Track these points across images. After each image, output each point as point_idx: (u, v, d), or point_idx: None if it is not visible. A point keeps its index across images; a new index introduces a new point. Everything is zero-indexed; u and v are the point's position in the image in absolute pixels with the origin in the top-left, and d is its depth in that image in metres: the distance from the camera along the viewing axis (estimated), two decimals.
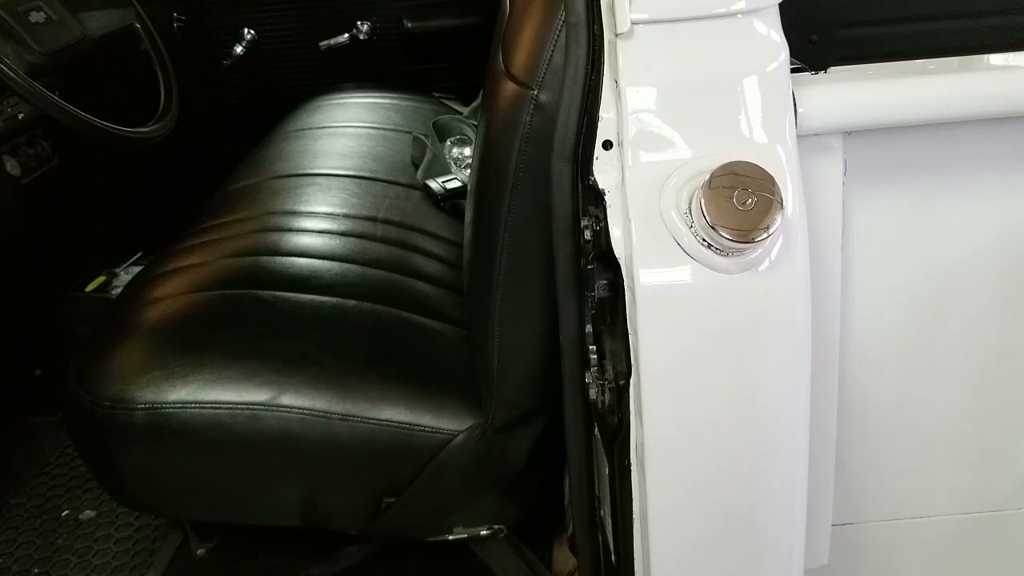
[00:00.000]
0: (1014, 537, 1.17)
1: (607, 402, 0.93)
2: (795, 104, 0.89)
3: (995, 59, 1.01)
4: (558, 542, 1.62)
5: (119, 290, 1.96)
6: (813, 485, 0.97)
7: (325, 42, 2.52)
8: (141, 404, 1.27)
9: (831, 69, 0.96)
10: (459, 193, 1.77)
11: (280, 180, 1.81)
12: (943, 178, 0.98)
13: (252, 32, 2.54)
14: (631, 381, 0.89)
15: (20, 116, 1.76)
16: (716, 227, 0.81)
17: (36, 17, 1.73)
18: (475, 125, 1.98)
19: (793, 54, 0.90)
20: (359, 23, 2.51)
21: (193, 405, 1.27)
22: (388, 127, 2.10)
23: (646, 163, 0.87)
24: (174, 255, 1.58)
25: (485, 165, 1.24)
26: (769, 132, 0.87)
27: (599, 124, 0.89)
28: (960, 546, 1.17)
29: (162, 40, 1.95)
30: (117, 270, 2.13)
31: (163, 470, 1.33)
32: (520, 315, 1.19)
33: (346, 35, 2.52)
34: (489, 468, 1.32)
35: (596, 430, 1.05)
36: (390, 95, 2.29)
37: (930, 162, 0.98)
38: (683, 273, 0.85)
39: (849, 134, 0.94)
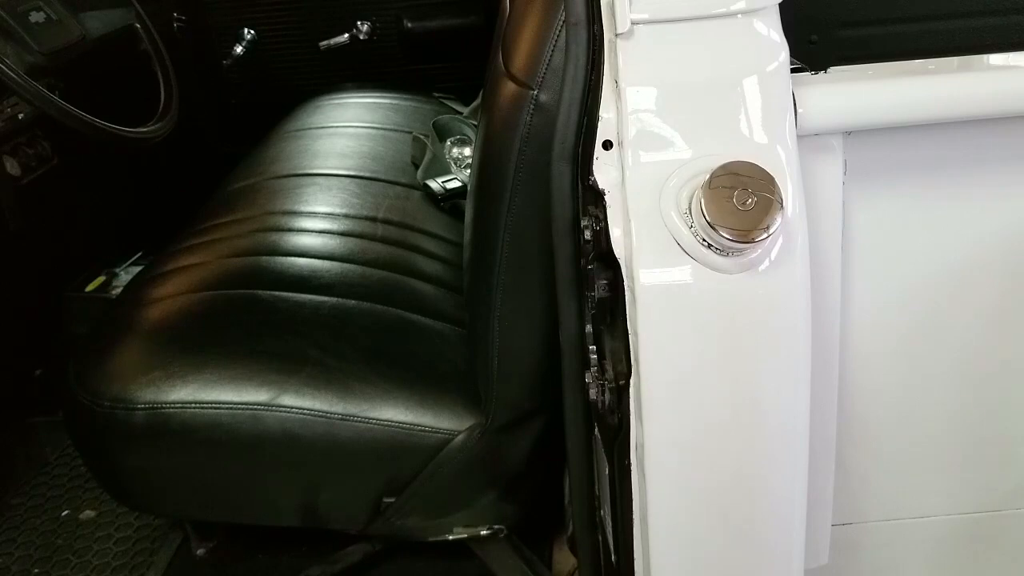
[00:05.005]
0: (1014, 537, 1.17)
1: (607, 402, 0.93)
2: (795, 104, 0.89)
3: (995, 59, 1.01)
4: (558, 542, 1.62)
5: (119, 290, 1.96)
6: (813, 485, 0.97)
7: (325, 42, 2.52)
8: (141, 404, 1.27)
9: (831, 69, 0.96)
10: (459, 193, 1.77)
11: (280, 180, 1.81)
12: (943, 178, 0.98)
13: (252, 32, 2.54)
14: (631, 381, 0.89)
15: (20, 116, 1.76)
16: (716, 227, 0.81)
17: (36, 17, 1.73)
18: (475, 125, 1.98)
19: (793, 54, 0.90)
20: (359, 23, 2.51)
21: (193, 405, 1.27)
22: (388, 127, 2.10)
23: (646, 163, 0.87)
24: (174, 255, 1.58)
25: (485, 165, 1.24)
26: (769, 132, 0.87)
27: (599, 124, 0.89)
28: (960, 546, 1.17)
29: (162, 40, 1.95)
30: (117, 270, 2.13)
31: (163, 470, 1.33)
32: (520, 315, 1.19)
33: (346, 35, 2.52)
34: (489, 468, 1.32)
35: (596, 430, 1.05)
36: (390, 95, 2.29)
37: (930, 162, 0.98)
38: (683, 273, 0.85)
39: (849, 134, 0.94)
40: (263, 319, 1.38)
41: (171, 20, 2.38)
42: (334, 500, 1.35)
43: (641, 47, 0.86)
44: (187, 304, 1.41)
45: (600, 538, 1.13)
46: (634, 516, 0.96)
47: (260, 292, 1.41)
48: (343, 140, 2.00)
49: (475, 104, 2.18)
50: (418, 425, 1.28)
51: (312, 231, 1.60)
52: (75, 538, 1.73)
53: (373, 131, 2.07)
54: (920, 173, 0.98)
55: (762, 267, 0.86)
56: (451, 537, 1.37)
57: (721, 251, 0.83)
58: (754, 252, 0.84)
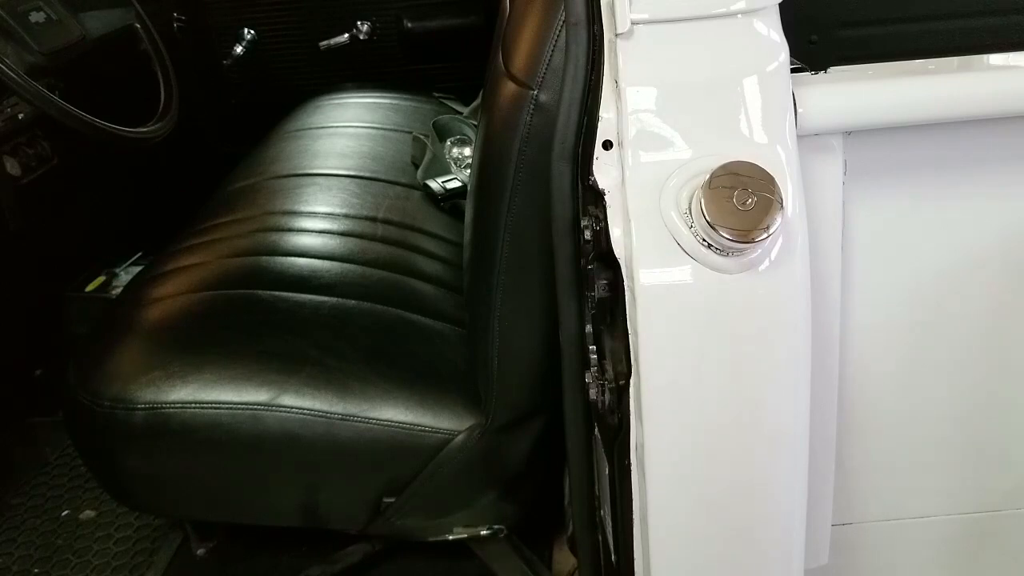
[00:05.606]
0: (1014, 537, 1.17)
1: (607, 402, 0.93)
2: (795, 104, 0.89)
3: (995, 59, 1.01)
4: (558, 542, 1.62)
5: (119, 290, 1.96)
6: (813, 485, 0.97)
7: (325, 42, 2.52)
8: (141, 404, 1.27)
9: (831, 69, 0.96)
10: (459, 193, 1.78)
11: (280, 180, 1.81)
12: (943, 178, 0.98)
13: (252, 32, 2.54)
14: (631, 381, 0.89)
15: (20, 116, 1.76)
16: (716, 227, 0.81)
17: (36, 17, 1.73)
18: (475, 125, 1.98)
19: (793, 54, 0.90)
20: (359, 23, 2.52)
21: (193, 405, 1.27)
22: (388, 127, 2.10)
23: (646, 163, 0.87)
24: (174, 255, 1.58)
25: (485, 165, 1.24)
26: (769, 132, 0.87)
27: (599, 124, 0.89)
28: (960, 546, 1.17)
29: (162, 40, 1.95)
30: (117, 270, 2.13)
31: (163, 470, 1.33)
32: (520, 315, 1.19)
33: (346, 35, 2.52)
34: (489, 468, 1.32)
35: (596, 430, 1.05)
36: (390, 95, 2.29)
37: (930, 162, 0.98)
38: (683, 273, 0.85)
39: (849, 134, 0.94)
40: (263, 319, 1.37)
41: (171, 20, 2.38)
42: (334, 500, 1.35)
43: (641, 47, 0.86)
44: (187, 304, 1.41)
45: (600, 538, 1.13)
46: (634, 516, 0.96)
47: (260, 292, 1.41)
48: (343, 140, 2.00)
49: (475, 104, 2.18)
50: (418, 425, 1.28)
51: (312, 231, 1.60)
52: (75, 538, 1.73)
53: (373, 131, 2.07)
54: (920, 173, 0.98)
55: (762, 267, 0.86)
56: (451, 537, 1.37)
57: (721, 251, 0.83)
58: (754, 252, 0.84)
